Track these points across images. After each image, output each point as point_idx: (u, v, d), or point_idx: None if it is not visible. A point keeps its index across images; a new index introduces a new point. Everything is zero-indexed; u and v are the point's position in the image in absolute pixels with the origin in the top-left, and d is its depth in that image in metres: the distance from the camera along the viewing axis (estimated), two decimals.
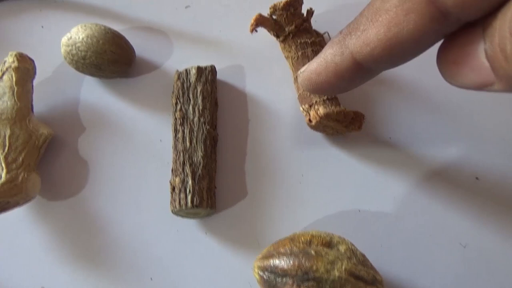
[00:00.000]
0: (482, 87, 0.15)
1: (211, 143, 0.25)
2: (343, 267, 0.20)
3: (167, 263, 0.24)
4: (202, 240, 0.24)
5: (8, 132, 0.23)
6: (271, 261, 0.20)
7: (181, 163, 0.24)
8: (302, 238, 0.21)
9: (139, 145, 0.26)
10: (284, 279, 0.20)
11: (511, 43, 0.12)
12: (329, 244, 0.21)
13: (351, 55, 0.16)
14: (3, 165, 0.22)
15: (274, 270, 0.20)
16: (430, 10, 0.14)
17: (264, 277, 0.20)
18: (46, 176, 0.25)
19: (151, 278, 0.23)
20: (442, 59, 0.15)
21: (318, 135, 0.27)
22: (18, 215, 0.25)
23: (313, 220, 0.24)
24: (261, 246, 0.24)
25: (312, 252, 0.20)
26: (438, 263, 0.23)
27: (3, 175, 0.22)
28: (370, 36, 0.15)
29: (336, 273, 0.19)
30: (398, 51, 0.15)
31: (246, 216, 0.25)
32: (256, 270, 0.21)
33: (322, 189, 0.25)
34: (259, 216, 0.25)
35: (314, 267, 0.19)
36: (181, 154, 0.24)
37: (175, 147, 0.24)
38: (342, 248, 0.20)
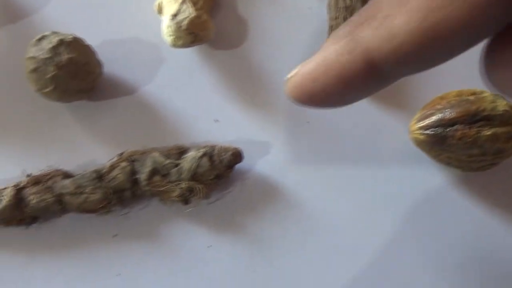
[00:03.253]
0: None
1: None
2: (504, 103, 0.22)
3: (323, 111, 0.26)
4: None
5: None
6: (433, 117, 0.22)
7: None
8: (450, 94, 0.23)
9: (292, 11, 0.29)
10: (454, 127, 0.21)
11: None
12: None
13: (366, 53, 0.11)
14: (189, 4, 0.25)
15: (440, 123, 0.21)
16: None
17: (430, 133, 0.22)
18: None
19: (308, 122, 0.26)
20: (489, 61, 0.11)
21: None
22: (190, 59, 0.27)
23: None
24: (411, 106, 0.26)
25: (471, 98, 0.22)
26: None
27: (192, 11, 0.24)
28: (396, 26, 0.11)
29: (500, 108, 0.21)
30: (438, 47, 0.10)
31: None
32: (417, 131, 0.22)
33: None
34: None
35: (481, 107, 0.21)
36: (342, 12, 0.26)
37: (336, 4, 0.26)
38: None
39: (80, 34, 0.24)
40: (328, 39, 0.13)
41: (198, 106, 0.26)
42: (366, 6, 0.12)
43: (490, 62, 0.11)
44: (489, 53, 0.11)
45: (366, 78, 0.12)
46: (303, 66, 0.13)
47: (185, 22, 0.24)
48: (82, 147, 0.25)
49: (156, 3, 0.26)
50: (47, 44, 0.21)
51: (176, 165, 0.22)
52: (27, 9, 0.27)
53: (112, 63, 0.26)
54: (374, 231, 0.24)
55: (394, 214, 0.24)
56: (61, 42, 0.22)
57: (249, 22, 0.28)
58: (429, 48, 0.10)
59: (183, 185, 0.22)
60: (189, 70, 0.27)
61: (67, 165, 0.24)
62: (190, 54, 0.27)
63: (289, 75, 0.14)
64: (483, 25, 0.10)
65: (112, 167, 0.22)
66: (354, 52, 0.11)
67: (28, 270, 0.23)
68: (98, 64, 0.24)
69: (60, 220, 0.23)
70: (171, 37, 0.24)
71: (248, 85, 0.27)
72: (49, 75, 0.21)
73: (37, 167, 0.24)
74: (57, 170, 0.22)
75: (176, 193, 0.22)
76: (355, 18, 0.12)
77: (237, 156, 0.23)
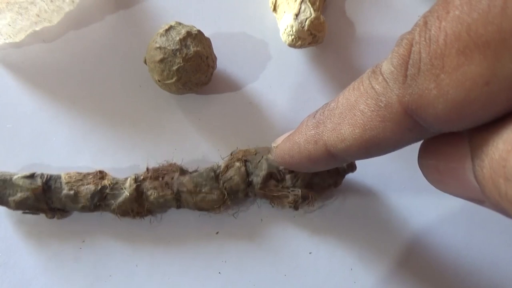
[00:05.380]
0: (470, 201, 0.13)
1: None
2: None
3: None
4: None
5: None
6: None
7: None
8: None
9: (400, 15, 0.28)
10: None
11: (506, 184, 0.10)
12: None
13: (325, 145, 0.16)
14: (309, 4, 0.24)
15: None
16: (408, 121, 0.13)
17: None
18: None
19: None
20: (424, 162, 0.14)
21: None
22: (296, 59, 0.27)
23: None
24: None
25: None
26: None
27: (312, 11, 0.24)
28: (345, 133, 0.14)
29: None
30: (375, 150, 0.14)
31: None
32: None
33: None
34: None
35: None
36: None
37: None
38: None
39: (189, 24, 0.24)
40: (302, 124, 0.17)
41: (303, 106, 0.26)
42: (326, 107, 0.16)
43: (425, 165, 0.14)
44: (423, 157, 0.14)
45: (327, 160, 0.16)
46: (284, 143, 0.19)
47: (307, 22, 0.23)
48: (188, 140, 0.25)
49: (272, 0, 0.26)
50: (176, 36, 0.21)
51: (291, 171, 0.22)
52: None
53: (220, 57, 0.25)
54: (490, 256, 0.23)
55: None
56: (188, 34, 0.21)
57: (356, 24, 0.28)
58: (368, 149, 0.14)
59: (298, 192, 0.22)
60: (295, 70, 0.26)
61: (176, 158, 0.24)
62: (296, 54, 0.27)
63: (274, 144, 0.21)
64: (407, 141, 0.14)
65: (227, 167, 0.22)
66: (318, 143, 0.16)
67: (132, 260, 0.23)
68: (215, 58, 0.23)
69: (165, 213, 0.23)
70: (291, 37, 0.23)
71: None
72: (175, 67, 0.21)
73: (145, 158, 0.24)
74: (173, 165, 0.22)
75: (289, 199, 0.22)
76: (320, 113, 0.16)
77: (351, 165, 0.23)
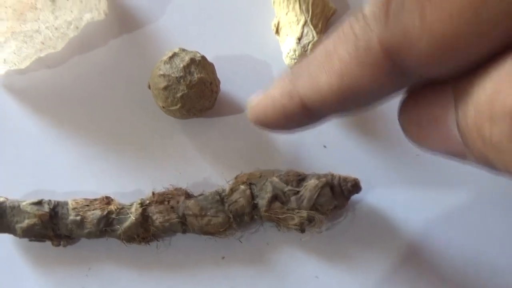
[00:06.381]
0: (451, 156, 0.13)
1: None
2: None
3: None
4: None
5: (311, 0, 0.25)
6: None
7: None
8: None
9: None
10: None
11: (491, 127, 0.10)
12: None
13: (300, 99, 0.14)
14: (311, 27, 0.24)
15: None
16: (388, 64, 0.12)
17: None
18: None
19: (417, 155, 0.25)
20: (404, 117, 0.14)
21: None
22: None
23: None
24: None
25: None
26: None
27: (315, 34, 0.24)
28: (321, 83, 0.13)
29: None
30: (353, 101, 0.13)
31: None
32: None
33: None
34: None
35: None
36: None
37: None
38: None
39: (192, 48, 0.24)
40: (277, 80, 0.16)
41: (307, 130, 0.26)
42: (303, 61, 0.15)
43: (405, 119, 0.13)
44: (404, 111, 0.13)
45: (301, 115, 0.15)
46: (259, 100, 0.17)
47: (310, 46, 0.23)
48: (193, 164, 0.25)
49: (275, 22, 0.26)
50: (179, 63, 0.21)
51: (296, 193, 0.22)
52: (142, 20, 0.27)
53: (224, 80, 0.25)
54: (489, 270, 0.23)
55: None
56: (192, 61, 0.21)
57: None
58: (345, 100, 0.13)
59: (303, 214, 0.22)
60: None
61: (181, 182, 0.24)
62: None
63: (249, 101, 0.18)
64: (387, 89, 0.13)
65: (232, 190, 0.22)
66: (293, 97, 0.15)
67: (138, 287, 0.23)
68: (218, 82, 0.23)
69: (171, 239, 0.23)
70: (294, 61, 0.23)
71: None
72: (179, 94, 0.21)
73: (150, 182, 0.24)
74: (178, 189, 0.22)
75: (295, 221, 0.22)
76: (296, 68, 0.15)
77: (356, 186, 0.23)
